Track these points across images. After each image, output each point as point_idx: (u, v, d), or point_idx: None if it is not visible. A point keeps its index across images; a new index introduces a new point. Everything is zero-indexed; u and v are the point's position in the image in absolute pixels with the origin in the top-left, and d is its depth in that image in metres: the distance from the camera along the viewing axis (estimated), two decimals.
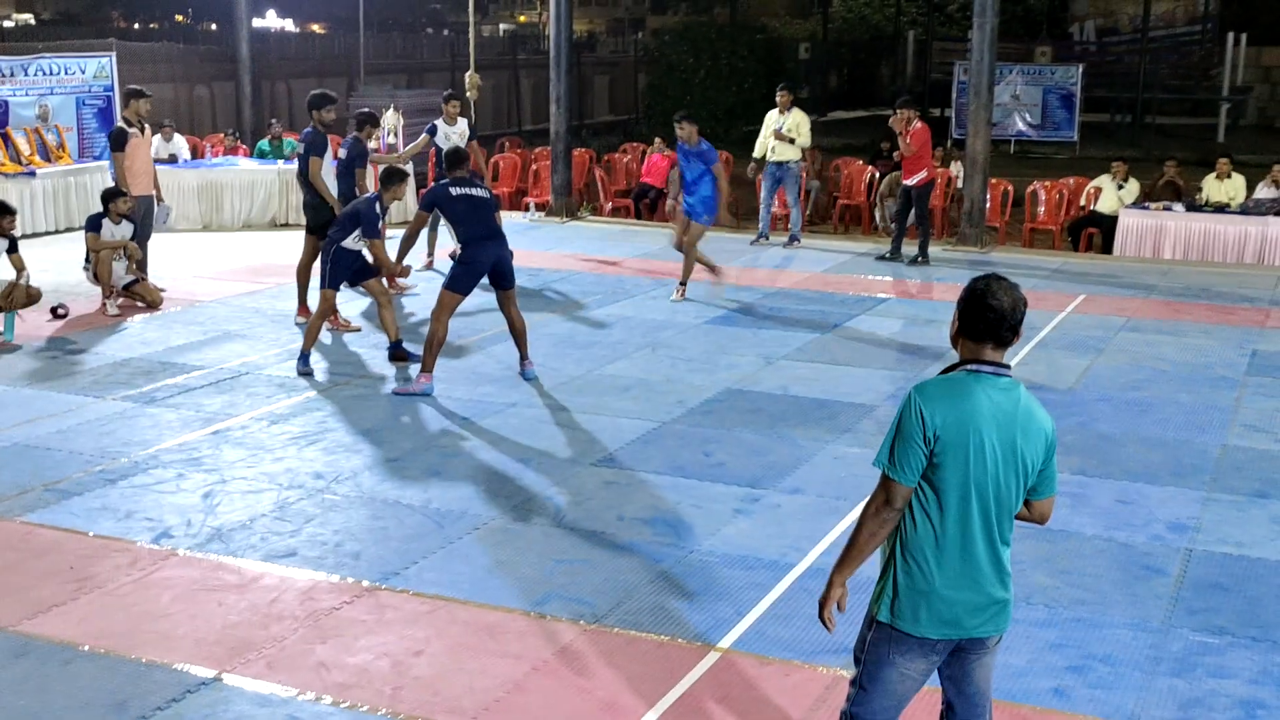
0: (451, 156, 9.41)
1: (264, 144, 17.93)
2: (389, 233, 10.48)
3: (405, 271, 9.88)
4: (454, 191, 9.07)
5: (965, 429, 3.59)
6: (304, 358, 9.56)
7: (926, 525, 3.66)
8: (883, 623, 3.74)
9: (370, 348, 10.35)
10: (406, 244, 9.55)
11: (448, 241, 13.45)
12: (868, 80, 41.84)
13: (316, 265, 10.32)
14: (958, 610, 3.67)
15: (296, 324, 10.97)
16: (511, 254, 9.19)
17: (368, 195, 9.88)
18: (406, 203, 15.38)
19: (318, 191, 10.80)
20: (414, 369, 9.43)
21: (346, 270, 9.73)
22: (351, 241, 9.63)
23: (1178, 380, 9.63)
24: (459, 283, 9.03)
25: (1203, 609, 5.79)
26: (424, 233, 12.90)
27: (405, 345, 9.90)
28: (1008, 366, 3.70)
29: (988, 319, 3.65)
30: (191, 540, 6.44)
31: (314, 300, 10.27)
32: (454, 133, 13.28)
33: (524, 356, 9.43)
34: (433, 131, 13.54)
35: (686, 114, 12.18)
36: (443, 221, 11.12)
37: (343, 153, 11.47)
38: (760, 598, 5.84)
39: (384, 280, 10.10)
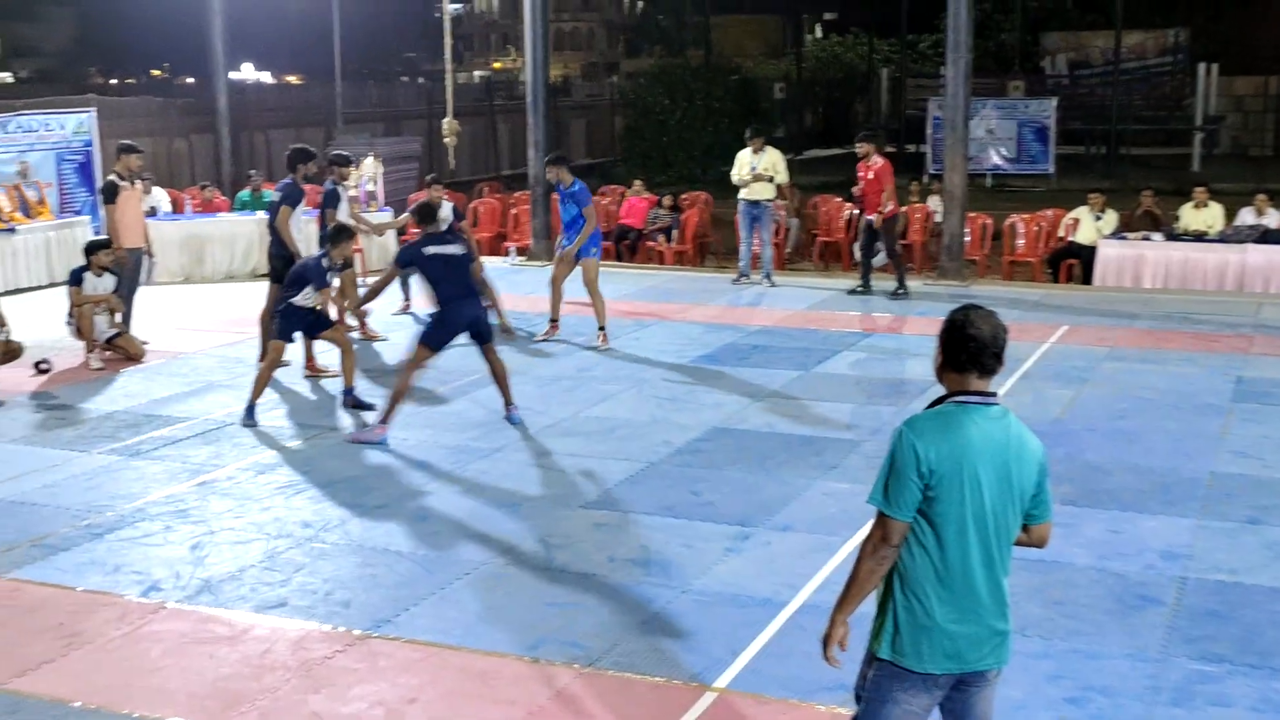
0: (423, 211, 9.34)
1: (244, 194, 17.94)
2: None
3: (362, 313, 9.94)
4: (428, 251, 8.98)
5: (959, 461, 3.59)
6: (250, 410, 9.42)
7: (925, 559, 3.65)
8: (884, 660, 3.72)
9: (369, 396, 10.31)
10: (374, 293, 9.57)
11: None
12: (843, 118, 42.17)
13: None
14: (960, 644, 3.66)
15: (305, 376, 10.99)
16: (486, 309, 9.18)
17: (315, 254, 10.01)
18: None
19: (283, 241, 10.89)
20: (370, 416, 9.41)
21: (299, 324, 9.83)
22: (303, 299, 9.66)
23: (1164, 408, 9.67)
24: (433, 338, 8.98)
25: (1200, 637, 5.79)
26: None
27: (356, 393, 9.86)
28: (995, 395, 3.71)
29: (970, 349, 3.66)
30: (181, 592, 6.39)
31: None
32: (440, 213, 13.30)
33: (508, 401, 9.41)
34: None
35: (556, 156, 12.32)
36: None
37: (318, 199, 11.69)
38: (755, 636, 5.81)
39: (349, 320, 10.15)
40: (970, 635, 3.66)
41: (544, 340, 12.17)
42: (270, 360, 9.70)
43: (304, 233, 12.13)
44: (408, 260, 9.17)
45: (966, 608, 3.65)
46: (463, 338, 9.13)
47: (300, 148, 11.43)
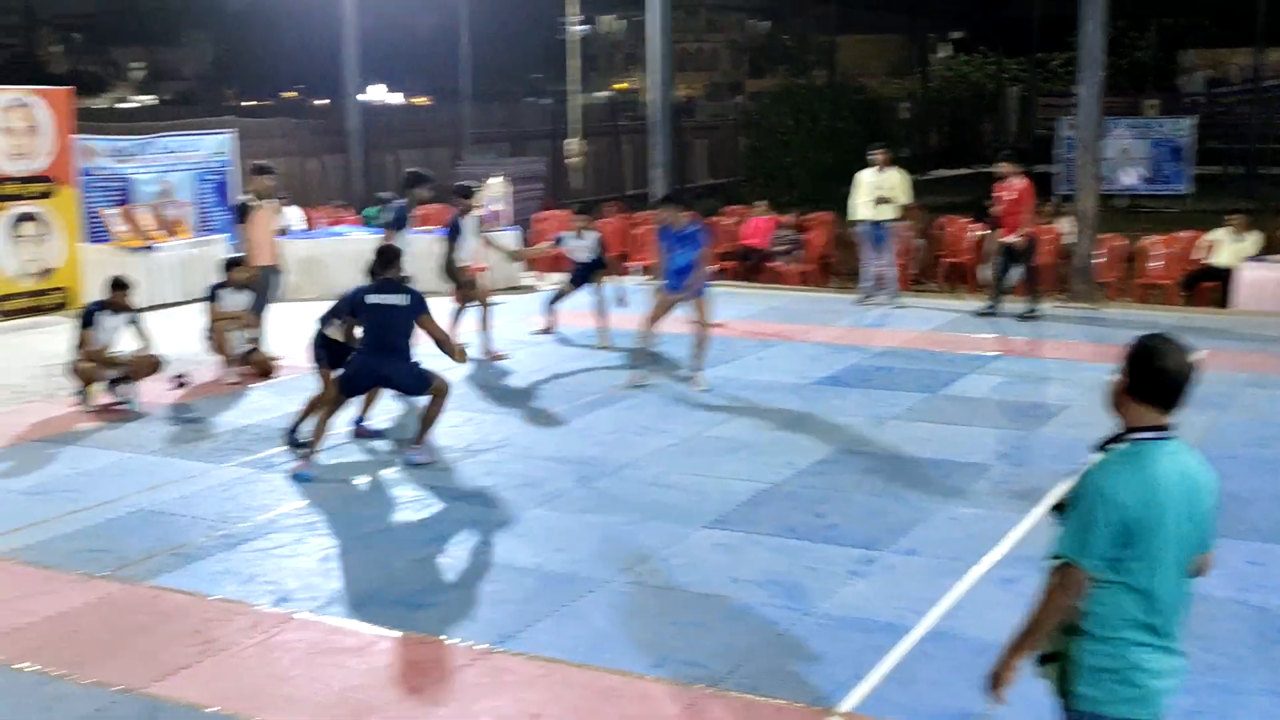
0: (380, 256, 9.03)
1: (371, 210, 18.31)
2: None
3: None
4: (368, 300, 8.81)
5: (1152, 503, 3.44)
6: (294, 429, 9.36)
7: (1123, 603, 3.50)
8: (1083, 711, 3.56)
9: (495, 414, 10.44)
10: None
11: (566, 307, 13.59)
12: (969, 138, 41.66)
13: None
14: (1156, 686, 3.54)
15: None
16: (410, 367, 8.88)
17: (353, 288, 9.47)
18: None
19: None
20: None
21: (326, 353, 9.46)
22: (333, 331, 9.41)
23: None
24: (345, 386, 8.88)
25: None
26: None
27: (367, 424, 9.77)
28: (1173, 428, 3.56)
29: (1159, 382, 3.50)
30: (311, 603, 6.52)
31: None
32: (581, 246, 13.39)
33: (419, 439, 9.04)
34: (559, 241, 13.82)
35: (668, 196, 11.87)
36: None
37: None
38: (879, 660, 5.74)
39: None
40: (1166, 671, 3.54)
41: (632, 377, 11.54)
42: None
43: (413, 252, 12.36)
44: (349, 306, 8.97)
45: (1165, 649, 3.53)
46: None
47: (414, 171, 11.91)
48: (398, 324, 8.81)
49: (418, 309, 8.84)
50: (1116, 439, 3.58)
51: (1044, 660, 3.67)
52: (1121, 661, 3.51)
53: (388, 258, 9.04)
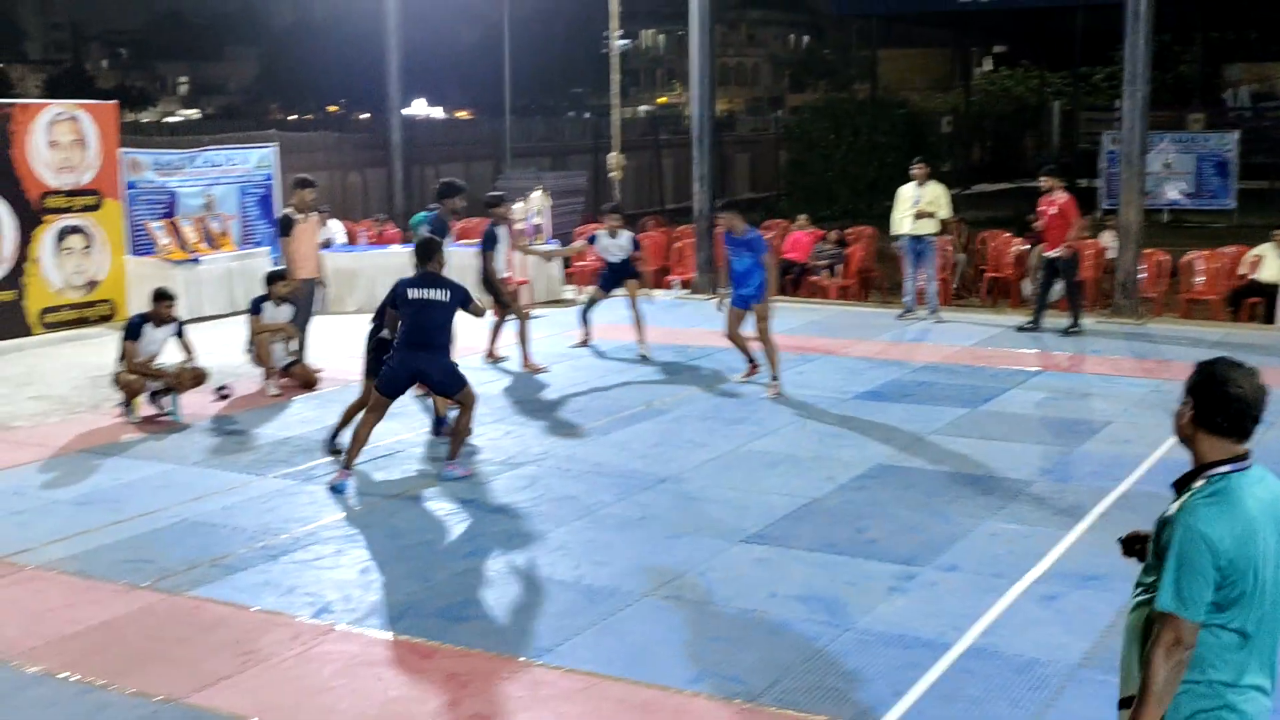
0: (421, 248, 9.16)
1: (418, 216, 18.46)
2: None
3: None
4: (410, 294, 8.78)
5: (1248, 541, 3.31)
6: (333, 437, 9.44)
7: (1227, 649, 3.36)
8: None
9: (534, 426, 10.47)
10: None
11: (605, 318, 13.63)
12: (1012, 152, 41.43)
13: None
14: None
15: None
16: (445, 364, 8.92)
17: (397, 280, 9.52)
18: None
19: None
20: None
21: (374, 358, 9.43)
22: (387, 330, 9.33)
23: None
24: (385, 386, 8.84)
25: None
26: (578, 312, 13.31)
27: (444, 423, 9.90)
28: (1250, 454, 3.41)
29: (1231, 410, 3.33)
30: (351, 615, 6.55)
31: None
32: (615, 245, 13.45)
33: (452, 453, 9.08)
34: (593, 240, 13.97)
35: (727, 203, 11.96)
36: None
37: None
38: (919, 678, 5.70)
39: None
40: (1261, 718, 3.40)
41: (747, 380, 11.72)
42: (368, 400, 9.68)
43: (452, 265, 12.44)
44: (392, 299, 8.93)
45: (1259, 689, 3.39)
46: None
47: (448, 181, 12.00)
48: (436, 319, 8.81)
49: (459, 301, 8.89)
50: (1192, 476, 3.42)
51: (1124, 705, 3.50)
52: (1216, 702, 3.36)
53: (429, 250, 9.07)
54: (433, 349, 8.82)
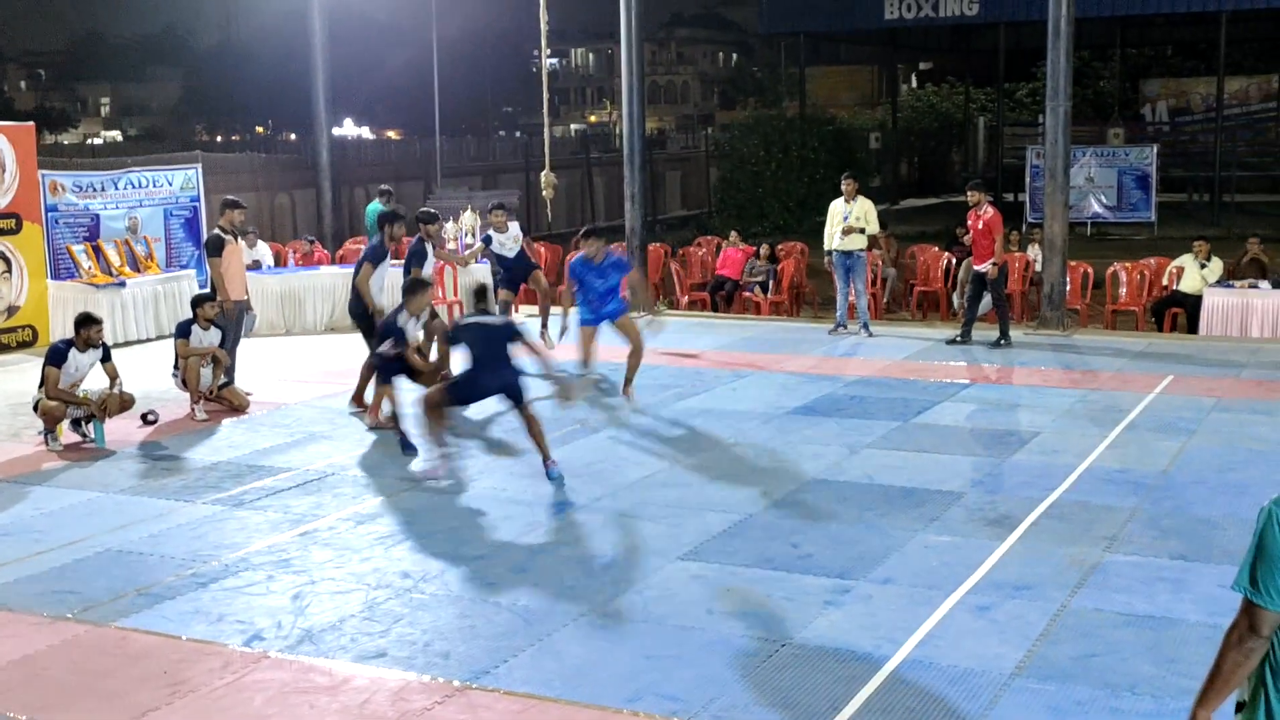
0: (477, 293, 9.73)
1: (372, 205, 18.69)
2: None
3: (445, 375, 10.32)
4: (464, 322, 9.49)
5: None
6: (406, 442, 10.04)
7: None
8: None
9: (466, 447, 10.40)
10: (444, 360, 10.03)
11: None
12: (939, 167, 42.02)
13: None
14: None
15: (350, 412, 11.49)
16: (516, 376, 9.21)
17: (394, 308, 10.52)
18: None
19: (361, 296, 11.53)
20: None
21: (395, 372, 10.36)
22: (386, 348, 10.23)
23: (1275, 461, 9.39)
24: (458, 392, 9.32)
25: None
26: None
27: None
28: None
29: None
30: (283, 642, 6.45)
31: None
32: (507, 238, 13.78)
33: (546, 457, 9.20)
34: (488, 241, 14.24)
35: (590, 229, 12.31)
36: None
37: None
38: (856, 691, 5.71)
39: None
40: None
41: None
42: (386, 397, 10.48)
43: (388, 283, 12.35)
44: (454, 337, 9.50)
45: None
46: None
47: (389, 211, 11.99)
48: (501, 338, 9.22)
49: (511, 334, 9.34)
50: None
51: (1240, 708, 3.49)
52: None
53: (480, 293, 9.64)
54: (509, 365, 9.17)
